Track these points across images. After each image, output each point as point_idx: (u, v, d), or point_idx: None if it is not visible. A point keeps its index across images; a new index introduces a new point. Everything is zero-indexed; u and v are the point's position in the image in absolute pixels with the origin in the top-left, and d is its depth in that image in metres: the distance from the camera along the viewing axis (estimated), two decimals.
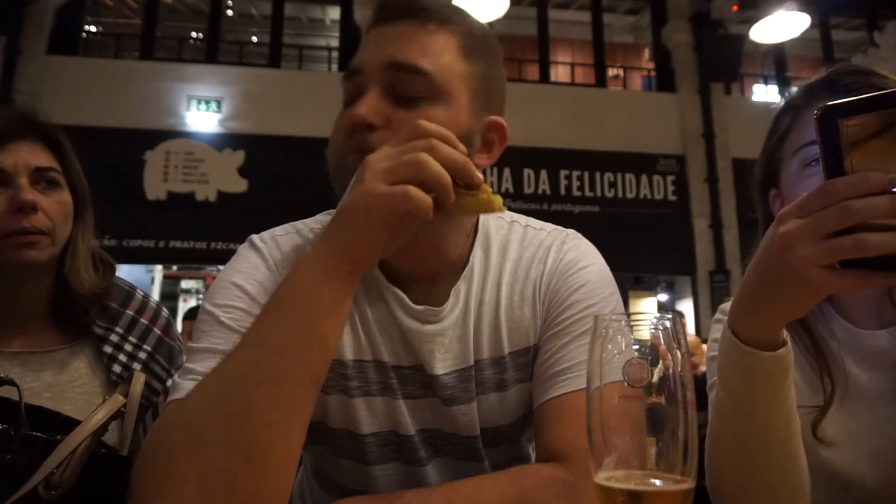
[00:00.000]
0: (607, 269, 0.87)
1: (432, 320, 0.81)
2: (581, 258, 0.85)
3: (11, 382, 0.87)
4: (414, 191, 0.59)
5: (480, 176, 0.63)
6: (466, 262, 0.84)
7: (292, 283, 0.63)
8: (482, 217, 0.88)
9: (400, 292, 0.81)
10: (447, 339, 0.82)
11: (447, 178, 0.60)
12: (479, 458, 0.86)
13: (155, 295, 8.48)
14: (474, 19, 0.82)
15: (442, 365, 0.81)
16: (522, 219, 0.91)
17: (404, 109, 0.72)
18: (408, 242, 0.67)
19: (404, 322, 0.81)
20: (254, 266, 0.79)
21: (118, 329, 1.07)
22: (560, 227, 0.91)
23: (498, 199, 0.63)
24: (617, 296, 0.84)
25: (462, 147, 0.63)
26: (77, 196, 1.07)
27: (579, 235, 0.90)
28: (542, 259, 0.85)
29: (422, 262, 0.82)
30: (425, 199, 0.59)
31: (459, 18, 0.79)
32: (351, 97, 0.76)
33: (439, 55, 0.75)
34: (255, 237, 0.85)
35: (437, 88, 0.74)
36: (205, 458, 0.57)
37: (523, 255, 0.86)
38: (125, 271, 6.80)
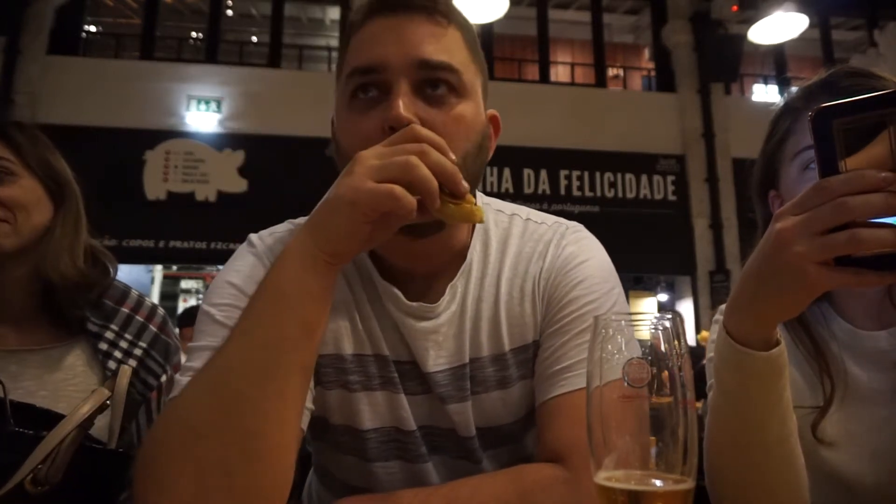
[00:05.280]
0: (608, 262, 0.85)
1: (427, 317, 0.80)
2: (580, 253, 0.83)
3: None
4: (400, 191, 0.60)
5: (467, 186, 0.64)
6: (465, 257, 0.83)
7: (277, 274, 0.65)
8: None
9: (394, 289, 0.80)
10: (441, 336, 0.81)
11: (434, 183, 0.61)
12: (475, 458, 0.85)
13: (155, 295, 8.48)
14: (463, 13, 0.81)
15: (435, 363, 0.81)
16: (523, 211, 0.90)
17: (434, 108, 0.73)
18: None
19: (399, 318, 0.81)
20: (249, 265, 0.80)
21: (113, 326, 1.07)
22: (561, 220, 0.89)
23: (480, 211, 0.64)
24: (618, 290, 0.83)
25: (452, 156, 0.64)
26: (48, 185, 1.07)
27: (580, 228, 0.89)
28: (541, 254, 0.84)
29: (426, 258, 0.81)
30: (410, 200, 0.60)
31: (458, 13, 0.79)
32: (369, 94, 0.74)
33: (458, 51, 0.76)
34: (252, 236, 0.85)
35: (462, 86, 0.75)
36: (200, 452, 0.58)
37: (523, 249, 0.85)
38: (125, 271, 6.81)
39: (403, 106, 0.69)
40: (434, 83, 0.73)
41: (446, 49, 0.74)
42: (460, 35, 0.78)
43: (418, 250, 0.79)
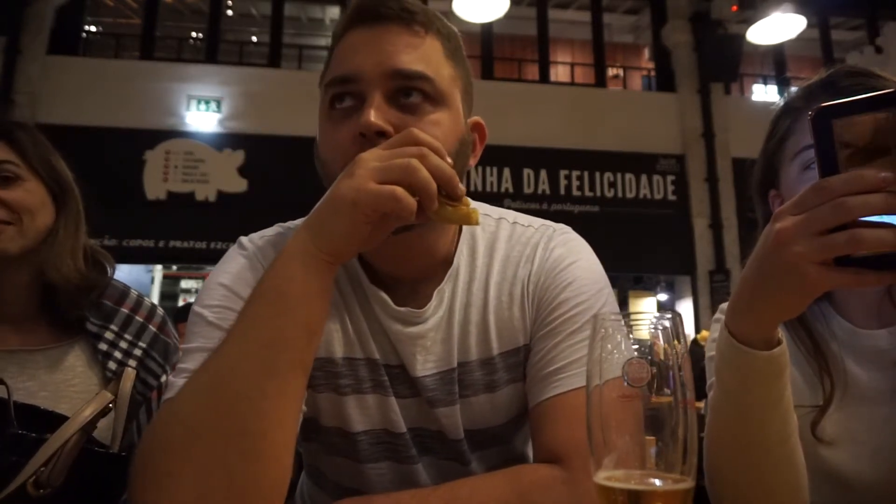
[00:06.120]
0: (597, 263, 0.86)
1: (414, 322, 0.81)
2: (568, 255, 0.84)
3: (0, 381, 0.88)
4: (401, 192, 0.61)
5: (463, 188, 0.65)
6: (452, 262, 0.84)
7: (276, 274, 0.65)
8: None
9: (382, 294, 0.81)
10: (429, 341, 0.82)
11: (433, 186, 0.62)
12: (464, 460, 0.85)
13: (155, 295, 8.48)
14: (446, 22, 0.81)
15: (423, 367, 0.81)
16: (510, 215, 0.90)
17: (408, 116, 0.73)
18: (396, 244, 0.70)
19: (386, 323, 0.81)
20: (240, 266, 0.80)
21: (113, 327, 1.07)
22: (548, 223, 0.90)
23: (476, 213, 0.66)
24: (608, 290, 0.83)
25: (449, 160, 0.65)
26: (51, 187, 1.07)
27: (567, 230, 0.89)
28: (529, 257, 0.84)
29: (411, 262, 0.81)
30: (411, 201, 0.61)
31: (439, 22, 0.79)
32: (344, 104, 0.75)
33: (434, 60, 0.76)
34: (242, 238, 0.86)
35: (438, 94, 0.75)
36: (200, 453, 0.58)
37: (511, 253, 0.85)
38: (125, 271, 6.81)
39: (375, 114, 0.70)
40: (407, 91, 0.73)
41: (422, 58, 0.75)
42: (440, 44, 0.78)
43: (404, 254, 0.80)
